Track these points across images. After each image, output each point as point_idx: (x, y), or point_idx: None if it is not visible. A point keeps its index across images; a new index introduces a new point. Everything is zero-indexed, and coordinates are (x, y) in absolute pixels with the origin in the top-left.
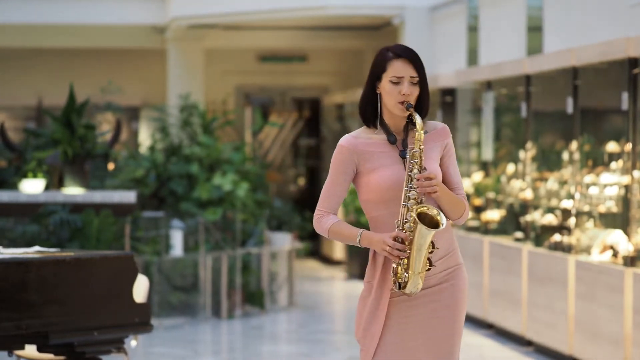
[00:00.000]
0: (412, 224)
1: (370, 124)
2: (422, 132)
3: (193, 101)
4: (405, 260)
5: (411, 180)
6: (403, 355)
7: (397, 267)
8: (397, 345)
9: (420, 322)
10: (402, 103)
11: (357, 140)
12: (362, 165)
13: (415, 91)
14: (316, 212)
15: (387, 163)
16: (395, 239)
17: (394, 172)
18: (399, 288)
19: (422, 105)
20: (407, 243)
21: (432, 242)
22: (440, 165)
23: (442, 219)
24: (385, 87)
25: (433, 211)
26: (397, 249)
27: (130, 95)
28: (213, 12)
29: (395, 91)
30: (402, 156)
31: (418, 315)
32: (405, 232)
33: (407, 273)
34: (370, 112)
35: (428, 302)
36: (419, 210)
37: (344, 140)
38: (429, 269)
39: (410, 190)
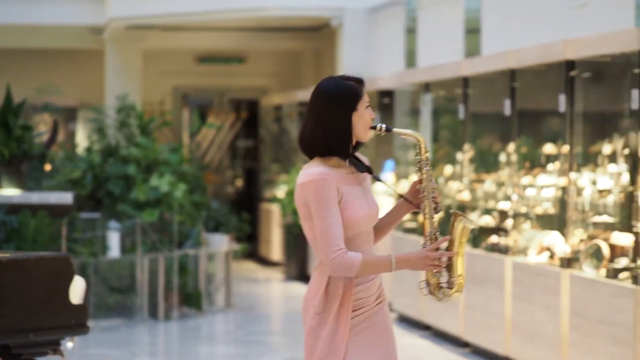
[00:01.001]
0: (451, 226)
1: (335, 155)
2: (423, 144)
3: (130, 102)
4: (444, 268)
5: (433, 191)
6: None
7: (432, 279)
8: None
9: (376, 345)
10: (373, 127)
11: (330, 171)
12: (339, 198)
13: None
14: (333, 253)
15: (355, 198)
16: (435, 250)
17: (363, 205)
18: (444, 295)
19: None
20: (449, 249)
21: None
22: None
23: (469, 220)
24: (363, 114)
25: (471, 220)
26: (440, 258)
27: (67, 96)
28: (151, 13)
29: (368, 116)
30: (377, 179)
31: (372, 339)
32: (436, 240)
33: (453, 278)
34: (339, 144)
35: (374, 323)
36: (461, 219)
37: (322, 174)
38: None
39: (428, 202)
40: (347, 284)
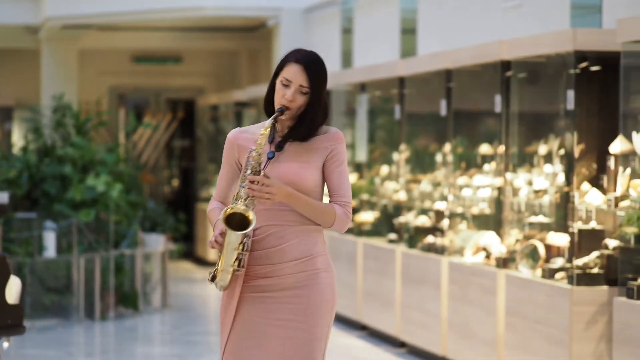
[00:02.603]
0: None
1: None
2: (265, 135)
3: (67, 102)
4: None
5: (244, 181)
6: (255, 354)
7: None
8: (249, 341)
9: (277, 323)
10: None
11: (241, 134)
12: (240, 159)
13: (301, 100)
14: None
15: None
16: (220, 234)
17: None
18: (212, 280)
19: (306, 117)
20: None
21: (243, 244)
22: (323, 170)
23: (252, 217)
24: (276, 86)
25: (241, 208)
26: (217, 242)
27: (3, 95)
28: (87, 12)
29: (281, 94)
30: (269, 157)
31: (274, 316)
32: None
33: (217, 267)
34: (269, 107)
35: (284, 304)
36: (230, 211)
37: (231, 132)
38: (238, 270)
39: (242, 190)
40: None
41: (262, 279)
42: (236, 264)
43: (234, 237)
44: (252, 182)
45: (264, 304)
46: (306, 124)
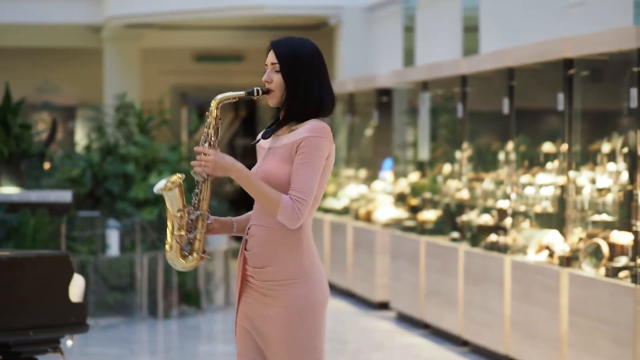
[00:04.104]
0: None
1: None
2: (214, 107)
3: (129, 101)
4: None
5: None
6: (245, 346)
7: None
8: (243, 335)
9: (256, 324)
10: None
11: (264, 130)
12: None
13: (276, 78)
14: None
15: (259, 157)
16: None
17: (257, 165)
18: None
19: (285, 107)
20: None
21: (180, 209)
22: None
23: (168, 183)
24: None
25: (172, 177)
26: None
27: (66, 94)
28: (149, 11)
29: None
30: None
31: (253, 315)
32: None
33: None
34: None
35: (260, 306)
36: (175, 179)
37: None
38: (181, 236)
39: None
40: None
41: (251, 278)
42: (180, 228)
43: (167, 200)
44: (197, 153)
45: (247, 298)
46: (284, 115)
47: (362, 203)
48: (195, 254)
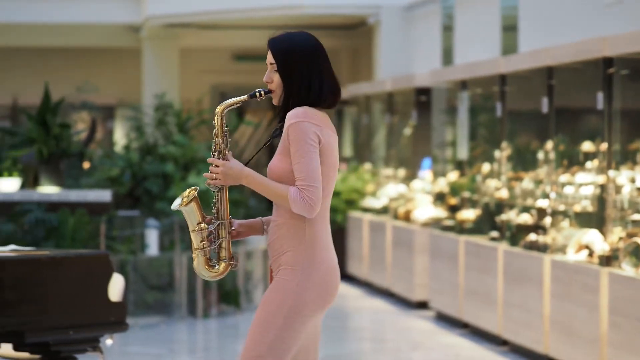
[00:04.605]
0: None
1: None
2: (219, 115)
3: (168, 100)
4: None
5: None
6: None
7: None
8: None
9: None
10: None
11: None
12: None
13: (276, 77)
14: None
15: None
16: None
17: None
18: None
19: (283, 103)
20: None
21: (200, 222)
22: None
23: (183, 199)
24: None
25: (185, 192)
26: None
27: (105, 94)
28: (188, 11)
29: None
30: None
31: None
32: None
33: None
34: None
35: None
36: (190, 192)
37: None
38: (204, 248)
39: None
40: None
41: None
42: (203, 243)
43: (186, 216)
44: (215, 165)
45: None
46: (283, 111)
47: (401, 202)
48: (222, 263)
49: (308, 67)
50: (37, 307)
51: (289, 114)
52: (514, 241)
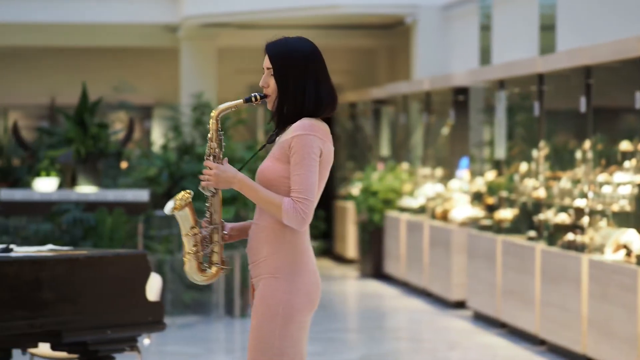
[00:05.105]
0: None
1: None
2: (214, 119)
3: (206, 100)
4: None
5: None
6: None
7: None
8: None
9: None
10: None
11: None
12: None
13: (272, 82)
14: None
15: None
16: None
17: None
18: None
19: (278, 108)
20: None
21: (193, 226)
22: None
23: (176, 202)
24: None
25: (179, 195)
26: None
27: (143, 94)
28: (225, 10)
29: None
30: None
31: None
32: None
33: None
34: None
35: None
36: (184, 195)
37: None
38: (197, 252)
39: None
40: None
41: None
42: (193, 247)
43: (179, 220)
44: (209, 167)
45: None
46: (277, 116)
47: (438, 202)
48: (214, 267)
49: (303, 72)
50: (75, 306)
51: (296, 126)
52: (551, 241)
